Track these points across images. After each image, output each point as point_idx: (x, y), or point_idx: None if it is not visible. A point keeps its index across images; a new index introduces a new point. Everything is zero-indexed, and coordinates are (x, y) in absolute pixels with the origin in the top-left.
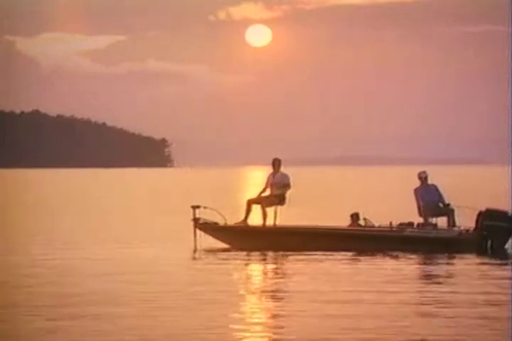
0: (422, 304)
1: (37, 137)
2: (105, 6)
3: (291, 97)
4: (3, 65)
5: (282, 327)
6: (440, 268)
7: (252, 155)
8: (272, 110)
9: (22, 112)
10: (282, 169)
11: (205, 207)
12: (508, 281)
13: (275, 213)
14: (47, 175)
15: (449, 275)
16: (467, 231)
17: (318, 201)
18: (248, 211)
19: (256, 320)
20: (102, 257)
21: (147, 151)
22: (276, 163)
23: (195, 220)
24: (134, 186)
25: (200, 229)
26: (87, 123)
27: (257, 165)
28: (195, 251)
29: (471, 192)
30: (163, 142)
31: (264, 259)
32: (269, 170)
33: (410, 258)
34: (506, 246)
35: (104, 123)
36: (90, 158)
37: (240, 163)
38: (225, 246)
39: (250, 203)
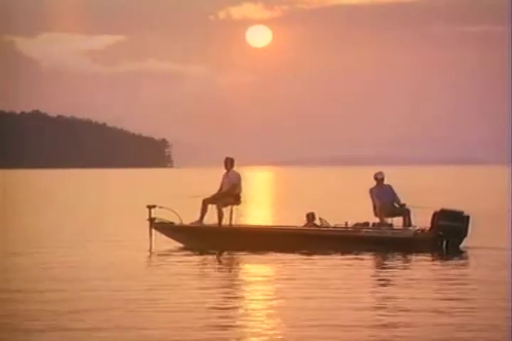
0: (376, 307)
1: (37, 137)
2: (105, 6)
3: (291, 97)
4: (3, 65)
5: (233, 326)
6: (394, 268)
7: (251, 156)
8: (272, 110)
9: (22, 112)
10: (285, 169)
11: (160, 207)
12: (464, 280)
13: (231, 213)
14: (43, 176)
15: (403, 275)
16: (423, 231)
17: (286, 201)
18: (204, 211)
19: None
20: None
21: (147, 151)
22: (228, 162)
23: (151, 220)
24: (122, 186)
25: (156, 228)
26: (87, 124)
27: (256, 165)
28: (150, 251)
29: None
30: (164, 142)
31: (219, 259)
32: (269, 170)
33: (365, 258)
34: (461, 245)
35: (104, 124)
36: (90, 158)
37: (240, 163)
38: (180, 245)
39: (206, 203)
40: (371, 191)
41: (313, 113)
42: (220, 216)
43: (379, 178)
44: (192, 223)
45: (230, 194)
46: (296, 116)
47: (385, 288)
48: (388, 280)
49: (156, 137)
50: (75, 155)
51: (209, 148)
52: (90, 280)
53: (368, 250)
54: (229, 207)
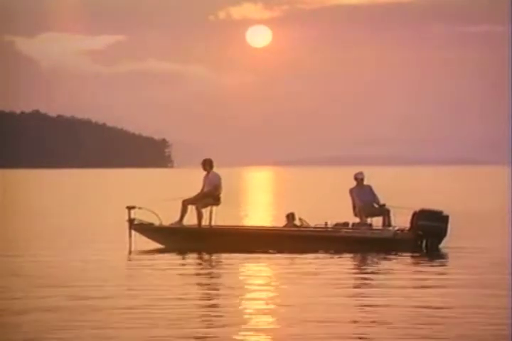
0: (356, 306)
1: (37, 137)
2: (105, 6)
3: (291, 97)
4: (3, 65)
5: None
6: (374, 268)
7: (251, 156)
8: (272, 110)
9: (22, 112)
10: (285, 169)
11: (140, 208)
12: (442, 279)
13: (210, 214)
14: (40, 176)
15: (382, 275)
16: (402, 231)
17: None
18: (183, 212)
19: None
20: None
21: (147, 151)
22: (206, 164)
23: (130, 221)
24: (119, 186)
25: (135, 229)
26: (87, 124)
27: (256, 165)
28: (129, 252)
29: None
30: (164, 142)
31: (199, 260)
32: (268, 170)
33: (345, 259)
34: (440, 245)
35: (104, 124)
36: (90, 158)
37: (239, 164)
38: (160, 246)
39: (185, 204)
40: (351, 191)
41: (313, 113)
42: (200, 217)
43: (359, 178)
44: (171, 224)
45: (211, 195)
46: (296, 115)
47: (358, 288)
48: (364, 280)
49: (156, 137)
50: (74, 155)
51: (209, 148)
52: (62, 283)
53: (348, 250)
54: (209, 208)
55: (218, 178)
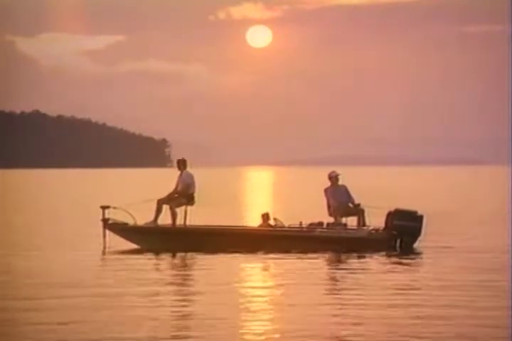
0: (327, 304)
1: (37, 137)
2: (105, 6)
3: (291, 97)
4: (3, 65)
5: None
6: (348, 268)
7: (251, 156)
8: (272, 110)
9: (22, 112)
10: (284, 169)
11: (114, 207)
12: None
13: (185, 213)
14: (39, 176)
15: (356, 275)
16: (377, 230)
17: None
18: (158, 211)
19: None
20: None
21: (147, 151)
22: (180, 164)
23: (105, 221)
24: (115, 187)
25: (110, 229)
26: (87, 124)
27: (256, 165)
28: (103, 252)
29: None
30: (164, 142)
31: (173, 260)
32: (270, 170)
33: (319, 258)
34: (415, 245)
35: (104, 124)
36: (90, 158)
37: (239, 163)
38: (135, 246)
39: (160, 203)
40: (326, 191)
41: (313, 113)
42: (174, 216)
43: (333, 177)
44: (146, 223)
45: (183, 194)
46: (296, 115)
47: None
48: (336, 280)
49: (156, 137)
50: (75, 155)
51: (209, 148)
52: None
53: (322, 250)
54: (183, 208)
55: (191, 177)
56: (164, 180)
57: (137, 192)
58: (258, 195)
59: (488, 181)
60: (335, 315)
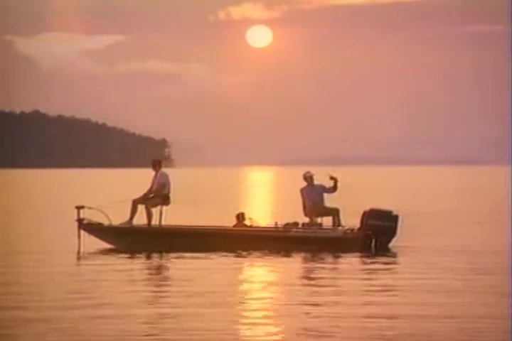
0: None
1: (37, 137)
2: (105, 6)
3: (291, 97)
4: (3, 65)
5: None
6: (322, 267)
7: (251, 156)
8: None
9: (22, 112)
10: (285, 169)
11: (89, 207)
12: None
13: (160, 213)
14: (40, 176)
15: (330, 275)
16: (352, 230)
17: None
18: (133, 211)
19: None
20: None
21: (147, 151)
22: (155, 164)
23: (79, 221)
24: (112, 187)
25: (85, 229)
26: (87, 124)
27: (256, 165)
28: (78, 253)
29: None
30: (163, 142)
31: (148, 260)
32: (269, 170)
33: (293, 258)
34: (390, 245)
35: (104, 124)
36: (90, 158)
37: (239, 164)
38: (110, 247)
39: (135, 203)
40: (302, 191)
41: (313, 113)
42: (149, 216)
43: (307, 177)
44: (121, 224)
45: (158, 194)
46: (296, 115)
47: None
48: (311, 279)
49: (156, 137)
50: (74, 155)
51: (209, 148)
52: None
53: (297, 250)
54: (159, 208)
55: (167, 177)
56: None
57: (134, 192)
58: (250, 195)
59: (488, 181)
60: (306, 316)
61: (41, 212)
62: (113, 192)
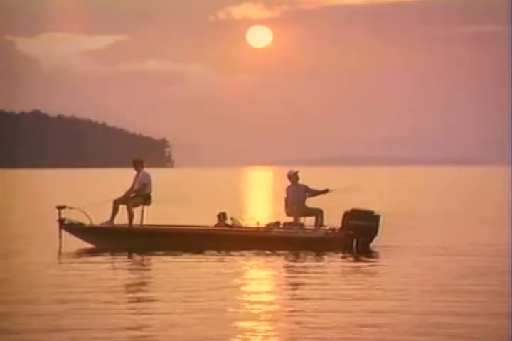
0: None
1: (37, 137)
2: (105, 6)
3: (291, 97)
4: (3, 65)
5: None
6: (303, 267)
7: (251, 156)
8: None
9: (22, 112)
10: (286, 168)
11: (70, 208)
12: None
13: (142, 213)
14: (39, 176)
15: (311, 274)
16: (333, 230)
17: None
18: (115, 211)
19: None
20: None
21: (147, 151)
22: (137, 164)
23: (60, 221)
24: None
25: (66, 229)
26: (87, 124)
27: (256, 165)
28: (59, 253)
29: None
30: (163, 142)
31: (128, 260)
32: (270, 170)
33: (274, 258)
34: (371, 244)
35: (104, 124)
36: (90, 158)
37: (239, 164)
38: (91, 246)
39: (117, 203)
40: (287, 189)
41: (314, 113)
42: (131, 216)
43: (291, 176)
44: (102, 223)
45: (140, 194)
46: (296, 115)
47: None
48: (292, 279)
49: (156, 137)
50: (75, 155)
51: (209, 148)
52: None
53: (278, 249)
54: (140, 208)
55: (148, 177)
56: (164, 179)
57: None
58: (250, 194)
59: (488, 181)
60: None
61: (26, 212)
62: (104, 192)
